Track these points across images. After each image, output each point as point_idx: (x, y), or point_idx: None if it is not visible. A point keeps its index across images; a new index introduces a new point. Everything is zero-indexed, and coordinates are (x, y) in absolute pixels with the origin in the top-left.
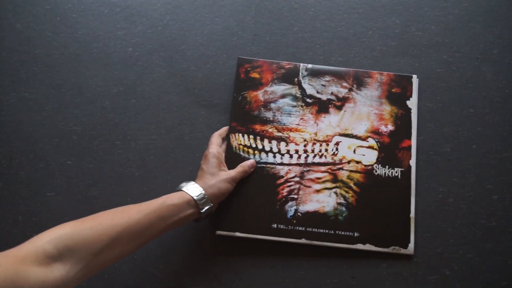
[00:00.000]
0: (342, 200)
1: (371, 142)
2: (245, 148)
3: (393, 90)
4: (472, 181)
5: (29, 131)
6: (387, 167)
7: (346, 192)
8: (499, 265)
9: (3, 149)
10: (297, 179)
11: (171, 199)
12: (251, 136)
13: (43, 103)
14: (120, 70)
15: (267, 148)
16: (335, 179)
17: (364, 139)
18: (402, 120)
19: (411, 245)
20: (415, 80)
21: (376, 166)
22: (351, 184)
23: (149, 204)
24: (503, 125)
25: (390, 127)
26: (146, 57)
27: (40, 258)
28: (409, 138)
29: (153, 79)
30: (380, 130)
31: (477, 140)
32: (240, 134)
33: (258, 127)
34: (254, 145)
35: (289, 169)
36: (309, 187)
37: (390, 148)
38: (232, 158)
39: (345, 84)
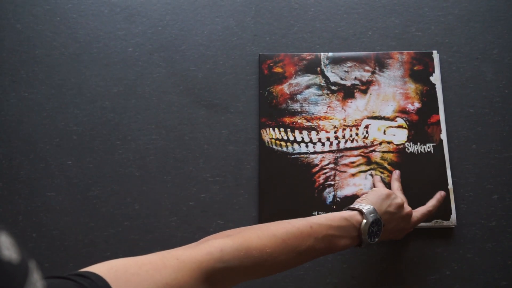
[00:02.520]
0: (381, 182)
1: (400, 121)
2: (277, 142)
3: (415, 68)
4: (472, 181)
5: (29, 131)
6: (418, 143)
7: (381, 172)
8: (499, 265)
9: (3, 149)
10: (331, 165)
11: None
12: (282, 129)
13: (43, 103)
14: (120, 70)
15: (299, 139)
16: (368, 161)
17: (392, 119)
18: (428, 96)
19: (453, 216)
20: (435, 55)
21: (407, 144)
22: (385, 165)
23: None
24: (503, 125)
25: (417, 105)
26: (146, 57)
27: (207, 277)
28: (437, 113)
29: (153, 79)
30: (407, 109)
31: (477, 140)
32: (271, 129)
33: (287, 120)
34: (285, 138)
35: (323, 157)
36: (345, 172)
37: (419, 125)
38: (265, 153)
39: (367, 67)
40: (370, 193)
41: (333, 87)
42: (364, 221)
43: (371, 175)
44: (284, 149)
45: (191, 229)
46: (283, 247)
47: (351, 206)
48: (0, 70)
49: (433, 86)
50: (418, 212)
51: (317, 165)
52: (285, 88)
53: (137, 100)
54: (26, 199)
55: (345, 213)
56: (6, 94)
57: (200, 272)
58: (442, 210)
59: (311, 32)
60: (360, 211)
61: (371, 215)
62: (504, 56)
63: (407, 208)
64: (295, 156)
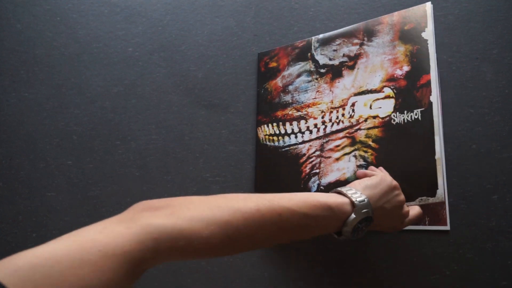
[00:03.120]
0: (361, 162)
1: (387, 91)
2: (270, 137)
3: (405, 28)
4: (472, 181)
5: (29, 131)
6: (405, 112)
7: (365, 152)
8: (499, 265)
9: (3, 149)
10: (317, 153)
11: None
12: (274, 124)
13: (43, 103)
14: (120, 70)
15: (289, 131)
16: (353, 142)
17: (379, 90)
18: (418, 56)
19: (440, 191)
20: (429, 7)
21: (393, 115)
22: (370, 142)
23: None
24: (503, 125)
25: (406, 68)
26: (146, 57)
27: (135, 267)
28: (428, 72)
29: (153, 79)
30: (395, 75)
31: (477, 140)
32: (265, 125)
33: (279, 113)
34: (277, 132)
35: (310, 145)
36: (329, 157)
37: (407, 90)
38: (260, 150)
39: (355, 41)
40: (372, 180)
41: (321, 70)
42: (353, 216)
43: (354, 156)
44: (276, 143)
45: None
46: (235, 236)
47: (343, 190)
48: (0, 70)
49: (425, 42)
50: (412, 212)
51: (304, 154)
52: (279, 81)
53: (137, 100)
54: (26, 199)
55: (331, 200)
56: (6, 94)
57: (126, 266)
58: (427, 185)
59: (311, 32)
60: (352, 202)
61: (364, 210)
62: (504, 56)
63: (405, 207)
64: (286, 149)
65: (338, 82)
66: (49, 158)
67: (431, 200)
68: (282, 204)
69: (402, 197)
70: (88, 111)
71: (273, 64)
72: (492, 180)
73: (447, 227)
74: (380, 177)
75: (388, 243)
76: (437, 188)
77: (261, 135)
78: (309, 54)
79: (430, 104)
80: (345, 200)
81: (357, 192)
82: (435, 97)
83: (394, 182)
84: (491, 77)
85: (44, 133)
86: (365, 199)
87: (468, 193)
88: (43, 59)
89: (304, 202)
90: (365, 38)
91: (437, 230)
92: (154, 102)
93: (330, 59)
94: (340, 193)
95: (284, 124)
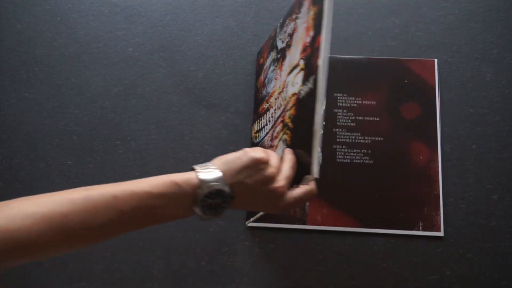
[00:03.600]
0: (285, 146)
1: (301, 63)
2: (255, 134)
3: None
4: (472, 181)
5: (29, 131)
6: (306, 83)
7: (287, 134)
8: (499, 265)
9: (3, 149)
10: (270, 143)
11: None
12: (258, 120)
13: (43, 103)
14: (120, 70)
15: (262, 125)
16: (283, 125)
17: (297, 64)
18: (317, 17)
19: (315, 168)
20: None
21: (301, 89)
22: (289, 123)
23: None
24: (503, 125)
25: (312, 33)
26: (146, 57)
27: None
28: (320, 32)
29: (153, 79)
30: (306, 44)
31: (477, 140)
32: (255, 123)
33: (260, 109)
34: (258, 128)
35: (268, 136)
36: (273, 146)
37: (310, 58)
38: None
39: (294, 16)
40: (233, 155)
41: (278, 56)
42: (200, 190)
43: (283, 141)
44: (257, 140)
45: (191, 229)
46: (66, 225)
47: (195, 166)
48: (0, 70)
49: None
50: (296, 192)
51: (265, 147)
52: (262, 77)
53: (137, 100)
54: None
55: (178, 177)
56: (6, 94)
57: None
58: (305, 161)
59: None
60: (197, 176)
61: (212, 183)
62: (504, 56)
63: (277, 183)
64: (260, 144)
65: (284, 65)
66: (49, 158)
67: (310, 178)
68: (118, 187)
69: (268, 171)
70: (88, 111)
71: (261, 61)
72: (492, 180)
73: (441, 233)
74: (244, 152)
75: (388, 244)
76: (311, 164)
77: (252, 133)
78: (275, 42)
79: (317, 68)
80: (193, 174)
81: (209, 167)
82: (321, 60)
83: (260, 156)
84: (491, 77)
85: (44, 133)
86: (215, 174)
87: (468, 193)
88: (43, 59)
89: (144, 181)
90: (298, 11)
91: (433, 234)
92: (154, 102)
93: (283, 42)
94: (192, 169)
95: (261, 119)
